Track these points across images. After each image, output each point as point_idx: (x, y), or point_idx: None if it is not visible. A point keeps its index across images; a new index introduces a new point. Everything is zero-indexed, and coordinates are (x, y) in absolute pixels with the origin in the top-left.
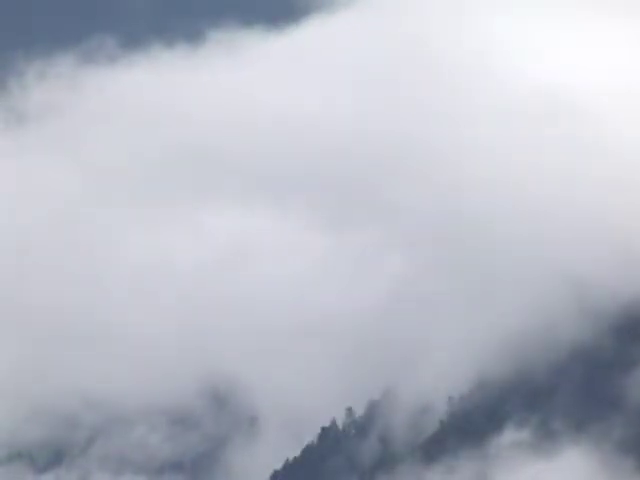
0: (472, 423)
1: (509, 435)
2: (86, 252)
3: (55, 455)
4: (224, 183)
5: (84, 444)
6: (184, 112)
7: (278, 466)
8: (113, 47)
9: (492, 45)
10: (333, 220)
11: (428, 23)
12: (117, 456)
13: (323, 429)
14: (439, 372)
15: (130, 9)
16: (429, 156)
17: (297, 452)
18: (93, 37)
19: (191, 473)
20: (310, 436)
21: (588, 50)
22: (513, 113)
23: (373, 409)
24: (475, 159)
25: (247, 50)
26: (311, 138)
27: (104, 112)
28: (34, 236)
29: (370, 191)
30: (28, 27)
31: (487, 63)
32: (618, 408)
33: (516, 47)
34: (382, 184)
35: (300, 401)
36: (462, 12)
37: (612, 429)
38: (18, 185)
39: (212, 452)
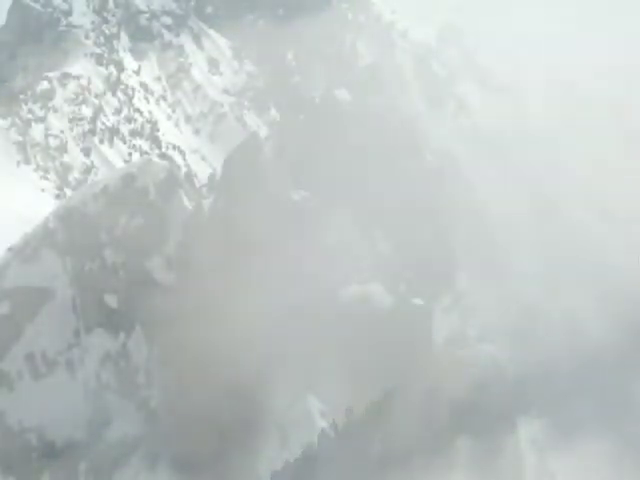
0: (480, 419)
1: (522, 432)
2: None
3: None
4: None
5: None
6: None
7: (278, 466)
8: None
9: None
10: None
11: None
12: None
13: (323, 429)
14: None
15: None
16: None
17: (297, 452)
18: None
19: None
20: (310, 437)
21: (591, 48)
22: None
23: (373, 409)
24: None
25: None
26: None
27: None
28: None
29: None
30: None
31: None
32: (635, 408)
33: (519, 45)
34: None
35: (300, 400)
36: None
37: (628, 428)
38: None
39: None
